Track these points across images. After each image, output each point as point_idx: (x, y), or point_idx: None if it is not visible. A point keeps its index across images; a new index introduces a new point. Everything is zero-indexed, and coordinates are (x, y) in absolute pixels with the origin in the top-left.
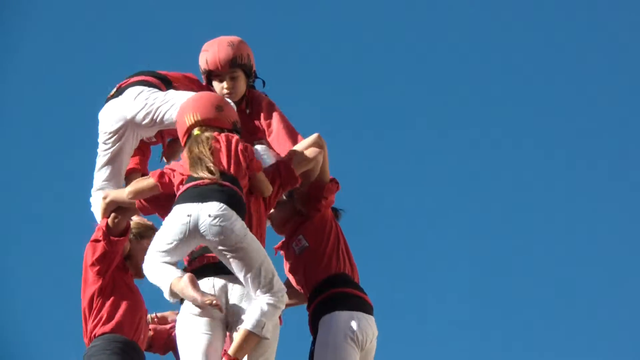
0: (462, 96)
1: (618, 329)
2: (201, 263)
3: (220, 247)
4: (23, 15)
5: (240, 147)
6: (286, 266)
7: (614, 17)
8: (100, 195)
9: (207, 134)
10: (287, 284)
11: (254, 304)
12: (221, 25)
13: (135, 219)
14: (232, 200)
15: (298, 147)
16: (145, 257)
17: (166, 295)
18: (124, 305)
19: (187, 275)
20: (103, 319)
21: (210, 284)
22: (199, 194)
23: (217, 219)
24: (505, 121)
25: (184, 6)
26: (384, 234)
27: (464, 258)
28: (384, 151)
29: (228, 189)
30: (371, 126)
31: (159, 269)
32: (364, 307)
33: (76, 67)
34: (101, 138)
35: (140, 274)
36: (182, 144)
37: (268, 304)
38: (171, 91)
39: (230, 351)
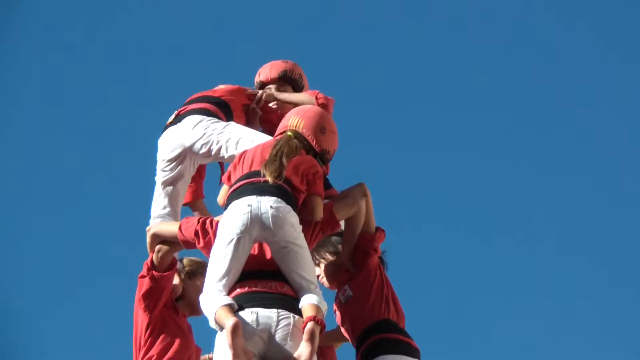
0: None
1: None
2: (250, 289)
3: (277, 239)
4: (23, 14)
5: (313, 169)
6: (337, 317)
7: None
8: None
9: (297, 142)
10: (338, 331)
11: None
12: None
13: (187, 258)
14: (287, 198)
15: (341, 193)
16: (206, 277)
17: (212, 324)
18: (173, 346)
19: (233, 322)
20: (153, 359)
21: (254, 317)
22: (256, 189)
23: (278, 210)
24: None
25: (184, 5)
26: None
27: None
28: None
29: (283, 189)
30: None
31: (211, 295)
32: (410, 351)
33: (76, 66)
34: (159, 165)
35: (194, 311)
36: (275, 135)
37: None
38: (232, 124)
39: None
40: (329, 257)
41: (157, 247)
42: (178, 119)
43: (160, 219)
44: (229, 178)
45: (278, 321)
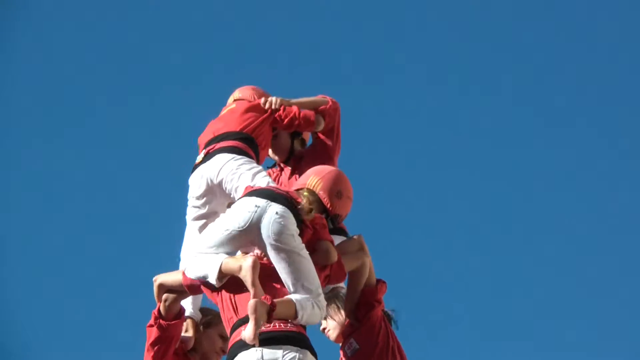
0: None
1: None
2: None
3: (276, 245)
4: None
5: (321, 220)
6: None
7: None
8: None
9: (311, 205)
10: None
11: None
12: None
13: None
14: (296, 214)
15: (341, 246)
16: (196, 244)
17: (213, 277)
18: None
19: (252, 259)
20: None
21: (259, 355)
22: (269, 195)
23: (282, 218)
24: None
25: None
26: None
27: None
28: None
29: (295, 207)
30: None
31: (204, 257)
32: None
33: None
34: (190, 203)
35: None
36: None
37: (312, 302)
38: (253, 170)
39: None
40: (337, 312)
41: (164, 296)
42: (207, 157)
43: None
44: None
45: (283, 357)
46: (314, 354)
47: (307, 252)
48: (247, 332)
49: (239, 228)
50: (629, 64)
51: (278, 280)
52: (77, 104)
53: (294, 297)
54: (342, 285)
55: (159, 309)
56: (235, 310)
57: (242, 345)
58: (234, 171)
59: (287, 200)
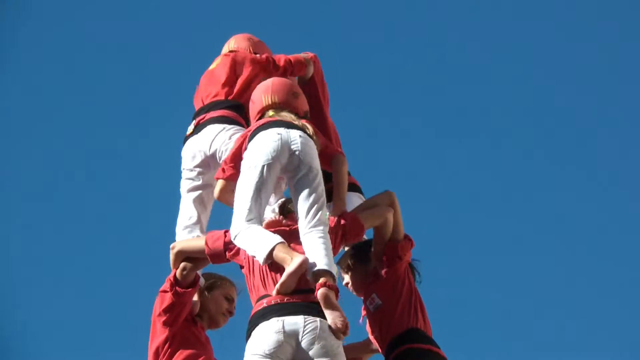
0: None
1: None
2: (275, 301)
3: (303, 166)
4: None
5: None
6: (367, 326)
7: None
8: (182, 237)
9: (283, 113)
10: (367, 342)
11: (313, 243)
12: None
13: (205, 272)
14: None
15: (368, 201)
16: (235, 200)
17: (262, 256)
18: (192, 358)
19: (302, 258)
20: None
21: (280, 325)
22: (283, 124)
23: (305, 139)
24: None
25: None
26: None
27: None
28: None
29: (306, 129)
30: None
31: (257, 229)
32: None
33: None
34: (183, 175)
35: (214, 324)
36: (253, 120)
37: (320, 237)
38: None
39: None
40: (357, 265)
41: (182, 264)
42: (198, 129)
43: (188, 230)
44: (223, 170)
45: (304, 326)
46: None
47: None
48: (336, 323)
49: (270, 159)
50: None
51: (297, 240)
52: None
53: (317, 267)
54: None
55: (174, 276)
56: (264, 282)
57: (263, 315)
58: (227, 142)
59: (297, 126)
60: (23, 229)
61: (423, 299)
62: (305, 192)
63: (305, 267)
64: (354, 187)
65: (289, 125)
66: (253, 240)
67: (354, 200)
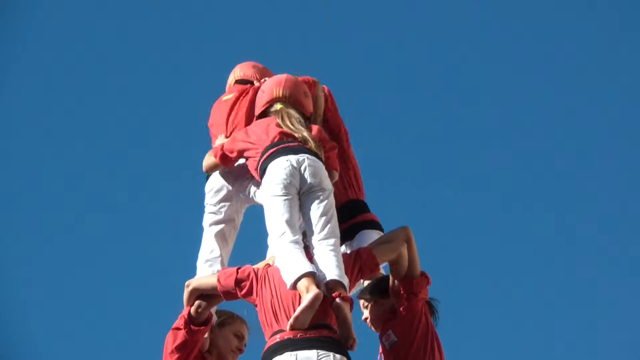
0: None
1: None
2: (288, 336)
3: (314, 187)
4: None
5: (329, 143)
6: None
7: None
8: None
9: (290, 110)
10: None
11: (324, 255)
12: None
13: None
14: (319, 158)
15: (384, 236)
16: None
17: (290, 282)
18: None
19: (317, 292)
20: None
21: (293, 358)
22: (291, 150)
23: (314, 161)
24: None
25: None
26: None
27: None
28: None
29: (314, 153)
30: None
31: (294, 253)
32: None
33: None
34: (206, 209)
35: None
36: (259, 111)
37: (331, 249)
38: None
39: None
40: (374, 300)
41: (197, 302)
42: None
43: (209, 263)
44: (230, 152)
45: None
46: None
47: None
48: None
49: (285, 184)
50: None
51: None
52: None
53: (332, 274)
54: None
55: (189, 313)
56: (277, 317)
57: (275, 350)
58: (250, 177)
59: (305, 149)
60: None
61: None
62: (315, 207)
63: (319, 303)
64: (373, 224)
65: (297, 150)
66: (286, 263)
67: (373, 237)
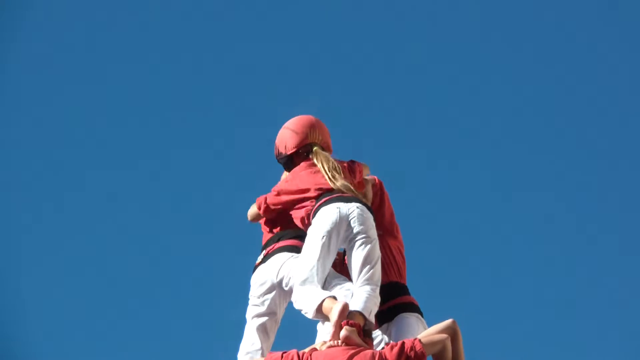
0: None
1: None
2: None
3: (359, 234)
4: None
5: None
6: None
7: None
8: None
9: (325, 154)
10: None
11: (359, 294)
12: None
13: None
14: (368, 208)
15: (431, 329)
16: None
17: (310, 311)
18: None
19: (344, 302)
20: None
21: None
22: (342, 199)
23: (362, 210)
24: None
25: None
26: None
27: None
28: None
29: (365, 203)
30: None
31: (315, 287)
32: None
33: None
34: (250, 302)
35: None
36: (292, 148)
37: (368, 292)
38: None
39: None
40: None
41: None
42: (267, 257)
43: (250, 356)
44: (265, 204)
45: None
46: None
47: None
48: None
49: (329, 230)
50: None
51: None
52: None
53: (356, 305)
54: None
55: None
56: None
57: None
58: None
59: (356, 199)
60: None
61: None
62: (360, 254)
63: (347, 312)
64: (412, 307)
65: (347, 199)
66: (302, 297)
67: (411, 322)
